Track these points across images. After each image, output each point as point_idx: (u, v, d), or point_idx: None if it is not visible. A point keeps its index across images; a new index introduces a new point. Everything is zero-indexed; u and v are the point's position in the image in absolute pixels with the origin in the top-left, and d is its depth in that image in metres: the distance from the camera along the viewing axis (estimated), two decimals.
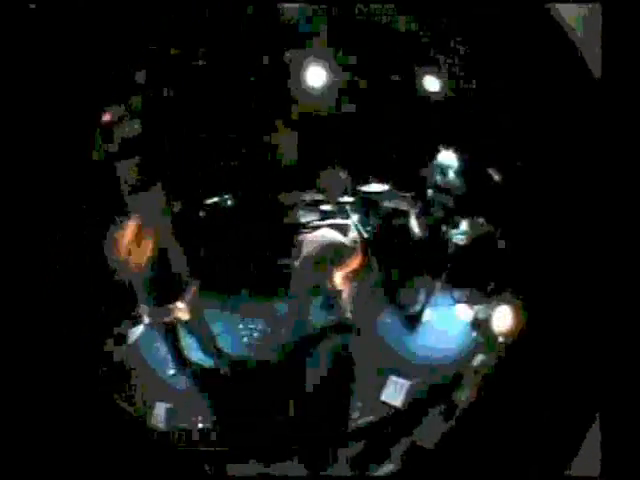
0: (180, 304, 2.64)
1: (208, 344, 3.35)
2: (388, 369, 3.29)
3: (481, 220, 3.21)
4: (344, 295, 3.24)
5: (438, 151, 3.28)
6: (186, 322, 3.12)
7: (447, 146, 3.28)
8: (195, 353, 3.36)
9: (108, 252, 2.29)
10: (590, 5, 2.23)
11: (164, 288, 2.59)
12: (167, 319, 2.64)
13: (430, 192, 3.38)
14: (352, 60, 4.10)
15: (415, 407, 3.10)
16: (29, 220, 2.49)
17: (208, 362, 3.39)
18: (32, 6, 2.41)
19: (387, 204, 4.19)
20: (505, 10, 2.57)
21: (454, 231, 3.26)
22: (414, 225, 3.45)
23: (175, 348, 3.29)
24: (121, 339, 3.62)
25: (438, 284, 3.65)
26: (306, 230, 3.17)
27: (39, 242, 2.59)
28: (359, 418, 3.11)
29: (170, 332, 3.16)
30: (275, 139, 4.43)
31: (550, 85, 2.48)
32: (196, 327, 3.23)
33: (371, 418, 3.11)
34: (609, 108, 2.18)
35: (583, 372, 2.29)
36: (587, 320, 2.29)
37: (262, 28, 3.72)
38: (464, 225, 3.21)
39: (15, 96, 2.34)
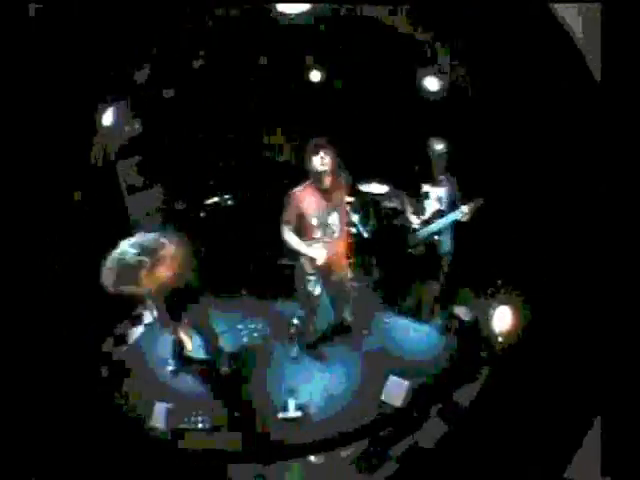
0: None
1: (211, 343, 3.35)
2: (388, 369, 3.29)
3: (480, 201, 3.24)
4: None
5: (434, 148, 3.30)
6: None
7: (443, 142, 3.30)
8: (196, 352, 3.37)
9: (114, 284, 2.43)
10: (590, 5, 2.23)
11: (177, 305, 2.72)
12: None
13: (425, 187, 3.39)
14: (352, 60, 4.11)
15: (415, 407, 3.10)
16: (29, 220, 2.49)
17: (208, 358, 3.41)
18: (33, 7, 2.41)
19: (387, 204, 4.20)
20: (506, 10, 2.57)
21: (453, 213, 3.29)
22: (411, 221, 3.46)
23: (177, 347, 3.30)
24: (121, 339, 3.62)
25: (438, 285, 3.65)
26: None
27: (39, 243, 2.59)
28: (359, 418, 3.11)
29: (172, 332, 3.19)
30: (275, 139, 4.44)
31: (550, 84, 2.48)
32: (201, 327, 3.24)
33: (371, 418, 3.11)
34: (609, 106, 2.18)
35: (583, 373, 2.28)
36: (587, 321, 2.29)
37: (261, 29, 3.72)
38: (464, 208, 3.23)
39: (16, 96, 2.34)
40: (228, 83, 4.09)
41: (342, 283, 3.29)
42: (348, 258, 3.36)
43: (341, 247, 3.18)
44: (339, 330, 3.58)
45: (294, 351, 3.50)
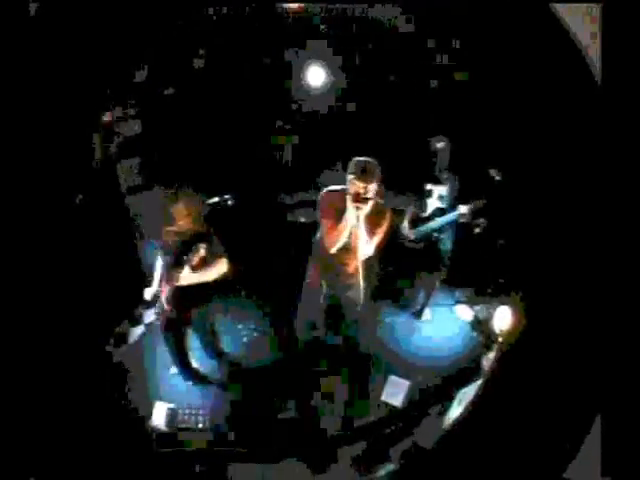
0: (186, 269, 2.75)
1: (211, 345, 3.34)
2: (388, 369, 3.29)
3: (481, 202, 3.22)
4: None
5: (435, 146, 3.29)
6: (192, 322, 3.15)
7: (444, 141, 3.30)
8: (194, 354, 3.36)
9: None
10: (590, 5, 2.23)
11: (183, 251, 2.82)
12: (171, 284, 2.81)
13: (428, 185, 3.38)
14: (353, 60, 4.11)
15: (415, 407, 3.10)
16: (30, 221, 2.49)
17: (208, 364, 3.39)
18: (33, 7, 2.41)
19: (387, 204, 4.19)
20: (506, 10, 2.58)
21: (452, 213, 3.26)
22: (408, 223, 3.44)
23: (178, 351, 3.28)
24: (121, 339, 3.62)
25: (438, 284, 3.65)
26: None
27: (40, 243, 2.59)
28: (359, 418, 3.11)
29: (174, 335, 3.17)
30: (275, 140, 4.44)
31: (550, 84, 2.48)
32: (201, 327, 3.23)
33: (371, 418, 3.11)
34: (609, 106, 2.18)
35: (584, 373, 2.28)
36: (587, 321, 2.29)
37: (262, 28, 3.72)
38: (463, 208, 3.21)
39: (15, 96, 2.34)
40: (229, 82, 4.09)
41: (356, 299, 3.11)
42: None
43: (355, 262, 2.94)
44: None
45: None
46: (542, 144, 2.60)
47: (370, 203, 2.64)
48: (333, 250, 2.83)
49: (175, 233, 2.81)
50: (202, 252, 2.80)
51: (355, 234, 2.75)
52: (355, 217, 2.68)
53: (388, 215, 2.80)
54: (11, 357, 2.27)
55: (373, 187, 2.62)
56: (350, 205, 2.67)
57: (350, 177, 2.63)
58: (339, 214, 2.73)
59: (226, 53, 3.95)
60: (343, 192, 2.71)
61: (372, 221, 2.74)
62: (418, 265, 3.60)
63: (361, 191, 2.60)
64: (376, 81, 4.11)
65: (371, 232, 2.75)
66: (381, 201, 2.78)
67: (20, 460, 2.17)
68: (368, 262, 2.95)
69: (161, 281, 2.94)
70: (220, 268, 2.87)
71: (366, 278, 3.03)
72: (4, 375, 2.23)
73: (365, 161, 2.63)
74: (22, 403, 2.25)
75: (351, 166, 2.65)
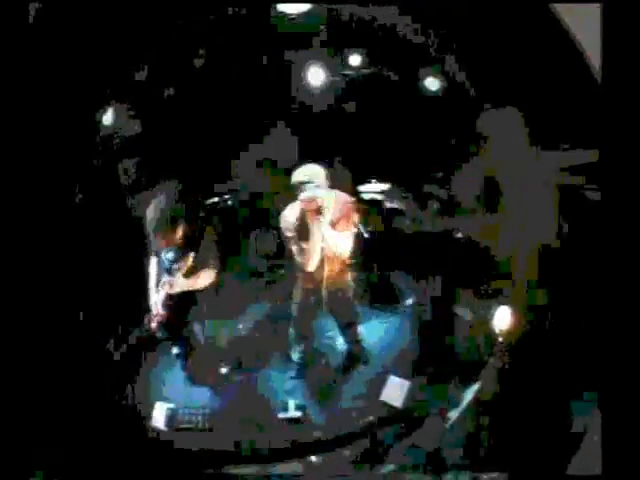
0: (178, 276, 2.85)
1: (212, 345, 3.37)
2: (388, 369, 3.29)
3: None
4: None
5: (435, 147, 3.29)
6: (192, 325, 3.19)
7: (444, 142, 3.30)
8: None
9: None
10: (590, 5, 2.23)
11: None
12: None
13: (427, 186, 3.38)
14: (353, 60, 4.11)
15: (415, 407, 3.10)
16: (29, 221, 2.49)
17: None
18: (33, 7, 2.41)
19: (387, 204, 4.20)
20: (506, 10, 2.58)
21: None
22: (409, 222, 3.43)
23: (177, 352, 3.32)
24: (121, 339, 3.62)
25: (437, 284, 3.65)
26: None
27: (39, 243, 2.59)
28: (359, 418, 3.11)
29: (170, 337, 3.21)
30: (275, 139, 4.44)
31: (550, 84, 2.48)
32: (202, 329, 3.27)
33: (371, 418, 3.11)
34: (609, 107, 2.18)
35: (584, 372, 2.29)
36: (587, 320, 2.29)
37: (262, 28, 3.72)
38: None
39: (15, 97, 2.34)
40: (229, 82, 4.09)
41: (347, 302, 3.13)
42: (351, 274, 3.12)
43: (341, 264, 2.93)
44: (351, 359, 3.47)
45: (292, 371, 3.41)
46: (542, 144, 2.60)
47: (328, 210, 2.56)
48: (311, 269, 2.76)
49: (167, 240, 2.84)
50: (190, 261, 2.86)
51: (326, 244, 2.68)
52: (319, 229, 2.58)
53: (351, 203, 2.70)
54: (10, 357, 2.27)
55: (321, 194, 2.50)
56: (309, 219, 2.57)
57: (297, 192, 2.50)
58: (303, 232, 2.64)
59: (226, 53, 3.95)
60: (300, 209, 2.60)
61: (342, 217, 2.66)
62: (417, 265, 3.61)
63: (311, 202, 2.50)
64: (376, 81, 4.11)
65: (345, 226, 2.67)
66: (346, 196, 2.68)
67: (20, 460, 2.17)
68: (355, 262, 2.93)
69: (156, 286, 2.99)
70: (206, 278, 2.93)
71: (357, 280, 3.02)
72: (3, 375, 2.23)
73: (304, 169, 2.52)
74: (22, 404, 2.25)
75: (292, 180, 2.51)
